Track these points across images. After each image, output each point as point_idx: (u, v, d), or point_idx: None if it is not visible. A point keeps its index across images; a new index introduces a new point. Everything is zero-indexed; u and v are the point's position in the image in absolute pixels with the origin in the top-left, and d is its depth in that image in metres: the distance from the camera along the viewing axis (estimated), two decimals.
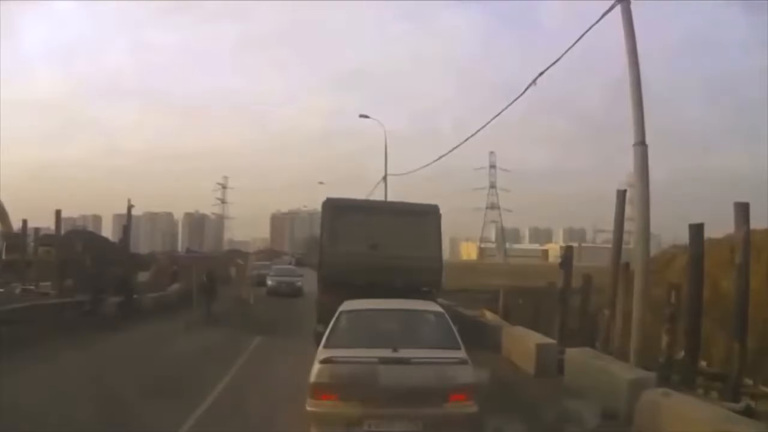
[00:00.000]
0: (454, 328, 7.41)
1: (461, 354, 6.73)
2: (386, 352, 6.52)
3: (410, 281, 12.34)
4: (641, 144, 10.02)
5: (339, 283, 12.20)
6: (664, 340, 10.16)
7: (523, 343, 12.03)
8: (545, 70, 12.44)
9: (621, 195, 13.64)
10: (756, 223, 10.06)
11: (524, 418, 7.20)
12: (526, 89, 13.19)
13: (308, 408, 6.45)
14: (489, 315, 20.81)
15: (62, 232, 25.50)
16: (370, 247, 13.16)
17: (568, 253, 15.37)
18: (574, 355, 9.97)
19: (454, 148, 24.53)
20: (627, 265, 12.64)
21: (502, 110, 15.90)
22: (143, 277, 26.65)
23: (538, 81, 12.49)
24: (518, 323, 19.41)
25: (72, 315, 17.24)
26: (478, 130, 19.23)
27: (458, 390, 6.31)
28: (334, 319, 7.57)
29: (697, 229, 9.72)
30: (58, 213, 24.23)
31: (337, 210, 14.17)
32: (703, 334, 10.81)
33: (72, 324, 15.77)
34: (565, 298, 14.62)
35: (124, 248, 26.24)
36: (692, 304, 9.56)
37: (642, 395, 7.23)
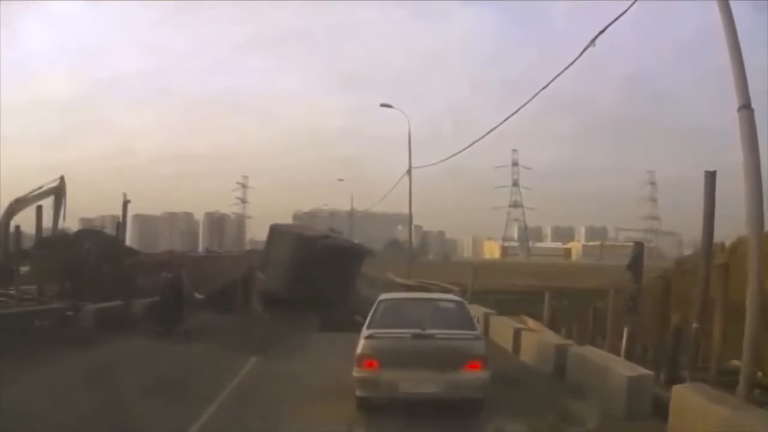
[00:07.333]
0: (471, 314, 9.19)
1: (476, 332, 8.62)
2: (416, 331, 8.15)
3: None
4: (746, 107, 8.44)
5: None
6: None
7: (602, 371, 8.94)
8: (602, 31, 11.46)
9: (710, 177, 10.78)
10: None
11: None
12: (580, 54, 12.50)
13: (354, 374, 8.13)
14: (531, 323, 17.85)
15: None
16: None
17: (637, 250, 11.96)
18: (684, 395, 6.97)
19: (481, 138, 26.48)
20: (726, 267, 9.67)
21: (535, 95, 16.44)
22: None
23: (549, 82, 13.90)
24: (567, 334, 16.63)
25: (48, 324, 15.20)
26: (507, 118, 20.31)
27: (473, 359, 8.00)
28: (374, 306, 9.10)
29: None
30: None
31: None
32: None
33: (43, 335, 13.98)
34: (635, 306, 11.56)
35: (118, 246, 23.87)
36: None
37: None
